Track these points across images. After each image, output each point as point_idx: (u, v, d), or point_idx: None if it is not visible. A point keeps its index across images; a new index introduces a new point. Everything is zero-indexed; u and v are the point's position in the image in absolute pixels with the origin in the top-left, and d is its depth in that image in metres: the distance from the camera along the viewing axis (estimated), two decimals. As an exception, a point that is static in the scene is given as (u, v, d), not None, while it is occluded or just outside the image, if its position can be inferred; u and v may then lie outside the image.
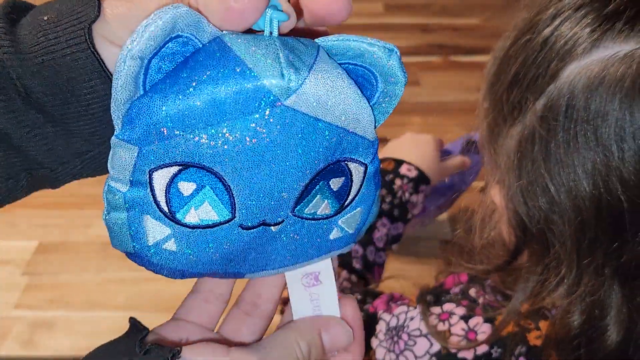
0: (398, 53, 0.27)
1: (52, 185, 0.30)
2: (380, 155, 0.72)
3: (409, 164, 0.69)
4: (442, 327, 0.47)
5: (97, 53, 0.25)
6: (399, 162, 0.70)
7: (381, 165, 0.68)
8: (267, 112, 0.24)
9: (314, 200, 0.28)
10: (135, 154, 0.25)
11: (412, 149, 0.72)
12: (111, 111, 0.25)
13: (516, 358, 0.44)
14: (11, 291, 0.83)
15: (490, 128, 0.45)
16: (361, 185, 0.29)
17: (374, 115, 0.28)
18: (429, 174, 0.69)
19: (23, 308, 0.80)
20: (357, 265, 0.64)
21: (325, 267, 0.31)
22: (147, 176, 0.25)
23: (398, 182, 0.68)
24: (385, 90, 0.28)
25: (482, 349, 0.45)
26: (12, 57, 0.26)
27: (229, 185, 0.26)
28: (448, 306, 0.48)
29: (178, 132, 0.24)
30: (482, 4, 1.74)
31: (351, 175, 0.28)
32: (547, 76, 0.39)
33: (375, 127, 0.28)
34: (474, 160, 0.73)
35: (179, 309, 0.32)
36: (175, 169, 0.25)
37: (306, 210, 0.28)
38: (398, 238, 0.70)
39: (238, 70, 0.24)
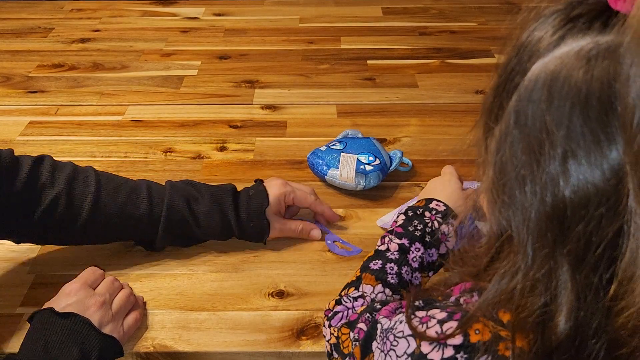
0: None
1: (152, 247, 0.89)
2: (415, 199, 0.84)
3: (438, 201, 0.77)
4: (420, 329, 0.48)
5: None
6: (429, 200, 0.78)
7: (414, 204, 0.78)
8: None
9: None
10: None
11: (439, 191, 0.80)
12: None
13: None
14: (17, 289, 0.84)
15: (480, 141, 0.47)
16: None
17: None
18: (456, 210, 0.76)
19: (29, 306, 0.81)
20: (391, 280, 0.68)
21: None
22: None
23: (427, 214, 0.75)
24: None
25: (449, 352, 0.45)
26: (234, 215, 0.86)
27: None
28: (432, 311, 0.49)
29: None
30: (478, 8, 1.76)
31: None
32: (519, 74, 0.41)
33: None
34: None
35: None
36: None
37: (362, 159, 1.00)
38: (434, 265, 0.73)
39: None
